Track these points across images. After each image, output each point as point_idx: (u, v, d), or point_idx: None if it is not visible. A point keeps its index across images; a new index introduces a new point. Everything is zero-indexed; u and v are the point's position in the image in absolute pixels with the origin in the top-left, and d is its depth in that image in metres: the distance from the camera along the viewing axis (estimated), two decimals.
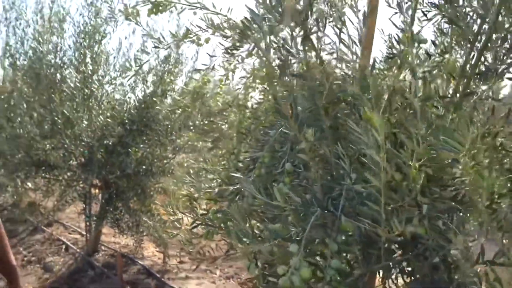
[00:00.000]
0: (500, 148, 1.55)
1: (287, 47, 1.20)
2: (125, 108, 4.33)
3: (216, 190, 1.88)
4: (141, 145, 4.35)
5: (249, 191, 1.36)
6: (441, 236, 1.04)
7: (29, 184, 4.25)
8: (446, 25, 1.61)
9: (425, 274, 1.02)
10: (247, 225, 1.23)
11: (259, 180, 1.58)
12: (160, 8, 1.86)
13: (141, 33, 4.71)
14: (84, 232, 5.43)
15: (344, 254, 1.06)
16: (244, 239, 1.07)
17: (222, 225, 1.52)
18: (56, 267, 4.76)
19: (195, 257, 1.69)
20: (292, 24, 1.20)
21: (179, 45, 2.03)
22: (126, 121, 4.24)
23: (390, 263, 1.02)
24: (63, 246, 5.45)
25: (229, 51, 1.67)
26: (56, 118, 3.71)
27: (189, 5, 1.75)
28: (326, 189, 1.14)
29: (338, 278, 0.99)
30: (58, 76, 4.09)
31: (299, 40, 1.46)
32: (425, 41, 1.63)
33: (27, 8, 4.54)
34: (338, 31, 1.65)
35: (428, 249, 1.03)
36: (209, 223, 1.73)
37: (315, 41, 1.49)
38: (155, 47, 1.99)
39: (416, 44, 1.67)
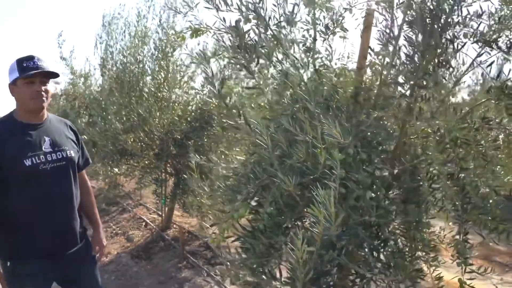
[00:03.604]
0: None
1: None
2: (190, 109, 4.97)
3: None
4: (205, 139, 4.98)
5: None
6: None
7: (116, 170, 5.07)
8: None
9: None
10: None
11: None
12: (199, 32, 2.36)
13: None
14: (161, 213, 6.23)
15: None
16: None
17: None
18: (136, 239, 5.59)
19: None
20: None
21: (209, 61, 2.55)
22: (191, 119, 4.89)
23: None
24: (143, 223, 6.30)
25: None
26: (133, 117, 4.48)
27: (218, 30, 2.25)
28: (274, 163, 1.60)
29: (269, 219, 1.47)
30: (138, 82, 4.85)
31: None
32: (387, 55, 2.02)
33: (117, 28, 5.41)
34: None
35: None
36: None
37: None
38: (192, 62, 2.54)
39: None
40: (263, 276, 1.50)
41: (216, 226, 1.48)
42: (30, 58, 2.05)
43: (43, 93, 2.06)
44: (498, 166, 2.01)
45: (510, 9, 1.67)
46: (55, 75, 2.14)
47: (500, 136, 2.15)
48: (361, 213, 1.48)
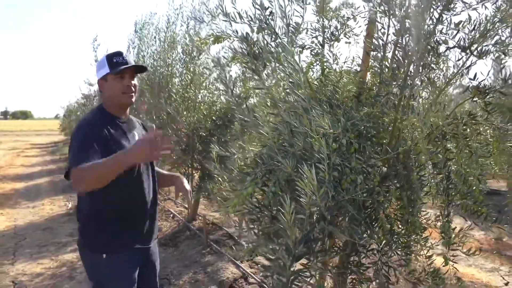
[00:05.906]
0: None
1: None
2: (215, 108, 5.30)
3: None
4: (228, 136, 5.29)
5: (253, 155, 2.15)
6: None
7: None
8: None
9: None
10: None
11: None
12: (220, 39, 2.64)
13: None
14: (187, 206, 6.60)
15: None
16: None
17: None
18: (164, 229, 5.96)
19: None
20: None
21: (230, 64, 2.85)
22: (216, 118, 5.22)
23: None
24: (171, 215, 6.69)
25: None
26: (162, 115, 4.84)
27: (236, 38, 2.54)
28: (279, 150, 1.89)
29: (273, 196, 1.75)
30: (167, 84, 5.22)
31: None
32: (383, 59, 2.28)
33: (149, 34, 5.80)
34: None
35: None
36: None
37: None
38: (214, 66, 2.84)
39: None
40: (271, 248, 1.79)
41: (228, 202, 1.78)
42: (119, 53, 2.08)
43: (132, 88, 2.10)
44: (483, 158, 2.21)
45: (487, 18, 1.90)
46: (143, 69, 2.27)
47: (489, 131, 2.36)
48: (351, 192, 1.74)
